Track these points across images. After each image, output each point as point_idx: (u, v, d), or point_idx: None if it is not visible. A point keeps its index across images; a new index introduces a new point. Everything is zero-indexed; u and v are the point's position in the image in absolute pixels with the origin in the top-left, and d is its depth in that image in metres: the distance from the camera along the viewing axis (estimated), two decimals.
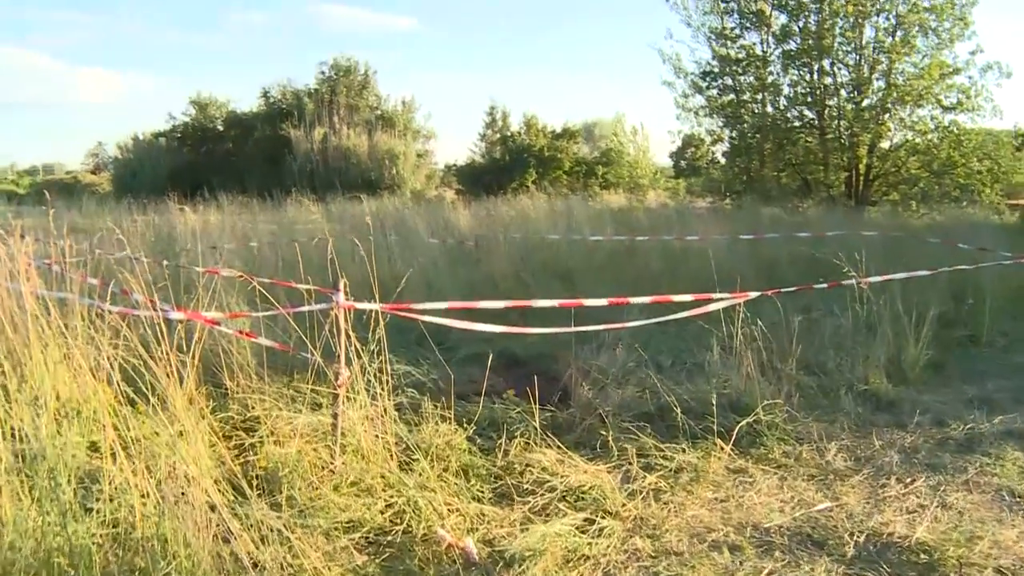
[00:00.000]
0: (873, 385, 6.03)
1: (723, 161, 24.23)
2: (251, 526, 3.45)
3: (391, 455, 4.34)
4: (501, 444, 4.81)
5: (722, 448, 4.75)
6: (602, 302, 5.14)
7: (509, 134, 35.77)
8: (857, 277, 6.28)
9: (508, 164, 33.71)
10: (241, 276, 5.96)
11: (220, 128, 37.51)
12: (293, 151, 32.42)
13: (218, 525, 3.38)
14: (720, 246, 9.85)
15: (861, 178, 19.81)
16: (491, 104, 41.88)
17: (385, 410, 4.51)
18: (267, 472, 4.13)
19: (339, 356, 4.26)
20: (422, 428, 4.83)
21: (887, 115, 18.97)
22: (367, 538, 3.81)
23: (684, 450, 4.82)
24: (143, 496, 3.41)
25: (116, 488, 3.62)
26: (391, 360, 5.98)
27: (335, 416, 4.30)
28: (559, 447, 4.80)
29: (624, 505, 4.20)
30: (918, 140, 19.14)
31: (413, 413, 5.16)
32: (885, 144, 19.47)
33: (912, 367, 6.37)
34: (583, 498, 4.25)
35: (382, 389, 4.55)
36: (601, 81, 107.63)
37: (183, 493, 3.40)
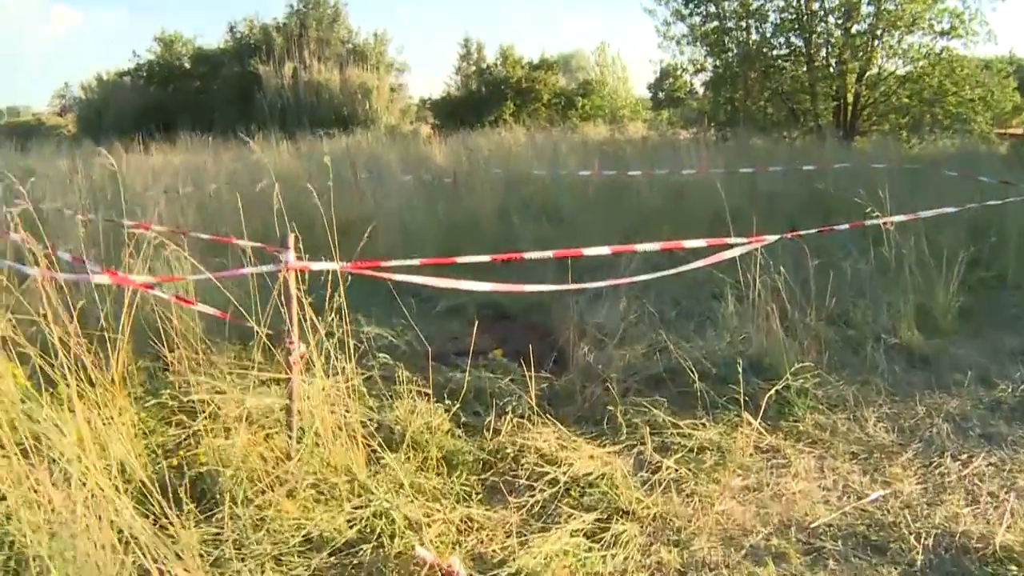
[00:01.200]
0: (904, 337, 5.28)
1: (701, 92, 23.15)
2: (180, 554, 2.66)
3: (358, 445, 3.53)
4: (490, 422, 4.02)
5: (749, 423, 3.99)
6: (604, 251, 4.30)
7: (485, 66, 34.29)
8: (881, 215, 5.47)
9: (485, 97, 32.35)
10: (178, 232, 5.04)
11: (187, 66, 35.64)
12: (263, 88, 30.80)
13: (136, 553, 2.59)
14: (718, 180, 8.99)
15: (849, 108, 18.87)
16: (465, 36, 40.20)
17: (351, 390, 3.69)
18: (207, 475, 3.31)
19: (291, 329, 3.41)
20: (396, 407, 4.02)
21: (877, 42, 17.94)
22: (329, 561, 3.02)
23: (704, 425, 4.05)
24: (37, 526, 2.59)
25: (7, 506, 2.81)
26: (358, 321, 5.16)
27: (289, 401, 3.48)
28: (558, 424, 4.03)
29: (640, 501, 3.44)
30: (909, 68, 18.16)
31: (385, 387, 4.34)
32: (875, 71, 18.47)
33: (943, 315, 5.62)
34: (591, 492, 3.48)
35: (347, 363, 3.72)
36: (578, 11, 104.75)
37: (86, 511, 2.59)
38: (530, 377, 4.22)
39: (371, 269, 3.61)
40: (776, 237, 4.95)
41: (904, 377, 4.78)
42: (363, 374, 4.38)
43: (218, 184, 9.66)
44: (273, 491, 3.25)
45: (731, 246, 4.78)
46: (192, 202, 8.57)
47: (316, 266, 3.48)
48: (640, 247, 4.41)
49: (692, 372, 4.35)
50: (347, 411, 3.61)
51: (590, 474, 3.59)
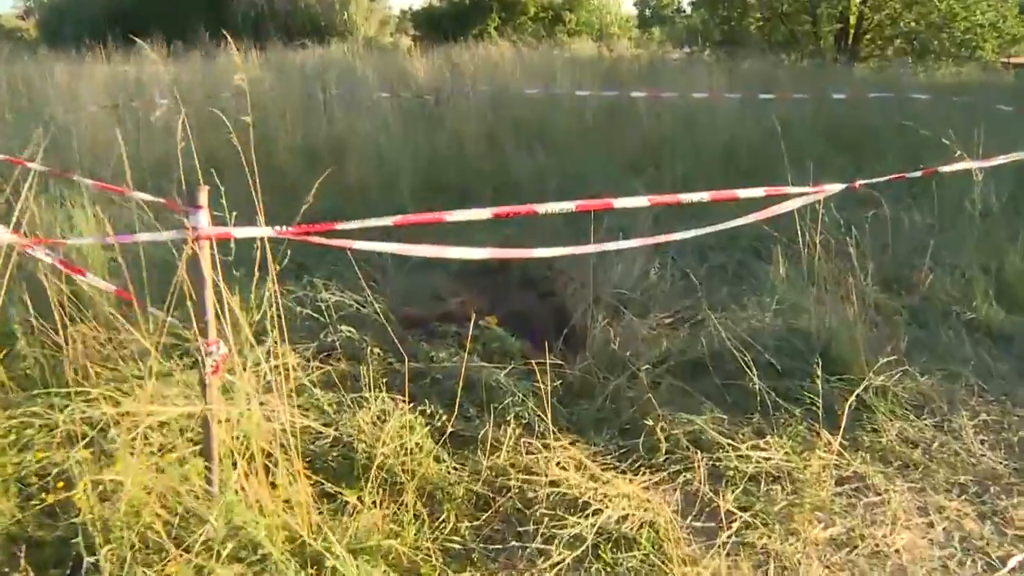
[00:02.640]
0: (981, 311, 4.26)
1: (689, 11, 21.57)
2: None
3: (302, 479, 2.46)
4: (486, 434, 2.96)
5: (828, 445, 2.95)
6: (640, 202, 3.16)
7: None
8: (966, 157, 4.36)
9: (469, 9, 30.28)
10: (64, 174, 3.82)
11: None
12: None
13: None
14: (733, 108, 7.80)
15: (851, 32, 17.47)
16: None
17: (293, 393, 2.61)
18: (84, 540, 2.23)
19: (204, 324, 2.29)
20: (358, 416, 2.93)
21: None
22: None
23: (767, 442, 3.02)
24: None
25: None
26: (313, 286, 4.03)
27: (206, 428, 2.38)
28: (575, 438, 2.99)
29: (696, 562, 2.43)
30: None
31: (349, 377, 3.26)
32: None
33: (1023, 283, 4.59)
34: (629, 553, 2.46)
35: (282, 371, 2.61)
36: None
37: None
38: (540, 380, 3.12)
39: (322, 234, 2.46)
40: (842, 186, 3.83)
41: (994, 367, 3.77)
42: (319, 368, 3.30)
43: (171, 99, 8.25)
44: (180, 559, 2.18)
45: (789, 196, 3.66)
46: (133, 122, 7.22)
47: (241, 233, 2.32)
48: (686, 197, 3.27)
49: (744, 361, 3.28)
50: (289, 426, 2.52)
51: (626, 519, 2.56)
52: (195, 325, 2.31)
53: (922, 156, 6.66)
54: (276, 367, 2.56)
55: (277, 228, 2.33)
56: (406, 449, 2.74)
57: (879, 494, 2.84)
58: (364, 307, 3.89)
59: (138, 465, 2.34)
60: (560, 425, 3.10)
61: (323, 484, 2.57)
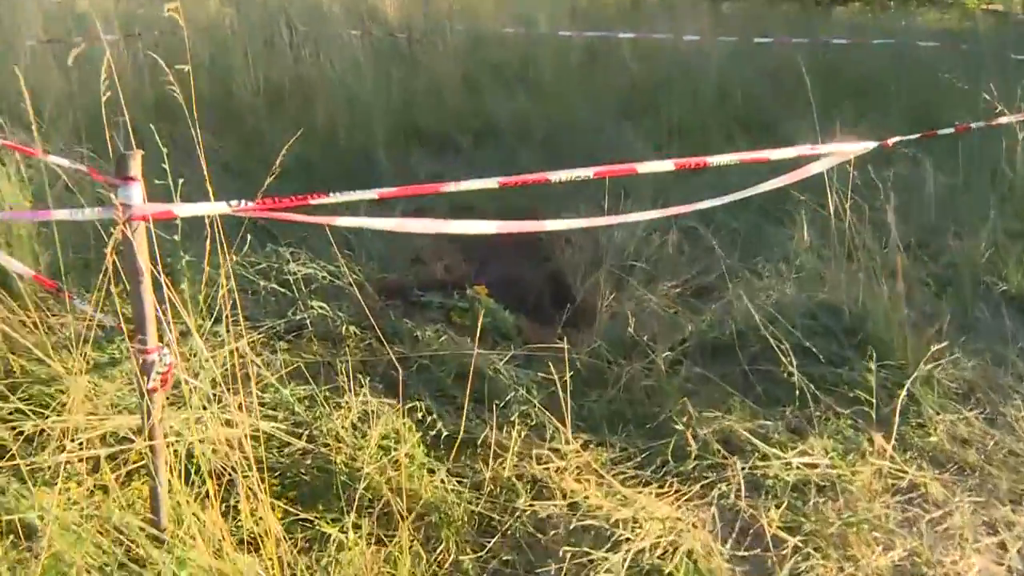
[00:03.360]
0: (1013, 282, 3.88)
1: None
2: None
3: (267, 502, 1.99)
4: (486, 438, 2.51)
5: (883, 451, 2.55)
6: (666, 166, 2.68)
7: None
8: (1005, 111, 3.93)
9: None
10: None
11: None
12: None
13: None
14: (725, 52, 7.26)
15: None
16: None
17: (249, 399, 2.13)
18: None
19: (144, 328, 1.78)
20: (335, 420, 2.45)
21: None
22: None
23: (809, 443, 2.61)
24: None
25: None
26: (278, 256, 3.51)
27: (152, 452, 1.88)
28: (588, 433, 2.57)
29: None
30: None
31: (313, 382, 2.77)
32: None
33: None
34: None
35: (239, 363, 2.12)
36: None
37: None
38: (546, 368, 2.67)
39: (289, 209, 1.94)
40: (875, 144, 3.38)
41: None
42: (287, 351, 2.81)
43: (116, 35, 7.44)
44: None
45: (823, 156, 3.20)
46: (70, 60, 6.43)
47: (187, 211, 1.80)
48: (713, 159, 2.80)
49: (777, 345, 2.85)
50: (250, 438, 2.05)
51: (657, 546, 2.14)
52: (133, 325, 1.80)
53: (931, 105, 6.26)
54: (235, 359, 2.07)
55: (234, 203, 1.81)
56: (393, 461, 2.28)
57: (938, 506, 2.46)
58: (338, 279, 3.37)
59: (66, 499, 1.86)
60: (569, 435, 2.67)
61: (296, 511, 2.11)
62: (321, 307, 3.16)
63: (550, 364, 2.90)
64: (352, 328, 3.14)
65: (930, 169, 4.42)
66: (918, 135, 3.76)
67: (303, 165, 4.72)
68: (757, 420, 2.74)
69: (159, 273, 1.72)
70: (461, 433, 2.53)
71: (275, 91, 6.49)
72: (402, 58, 8.10)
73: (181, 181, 1.94)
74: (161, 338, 1.83)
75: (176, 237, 2.00)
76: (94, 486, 2.11)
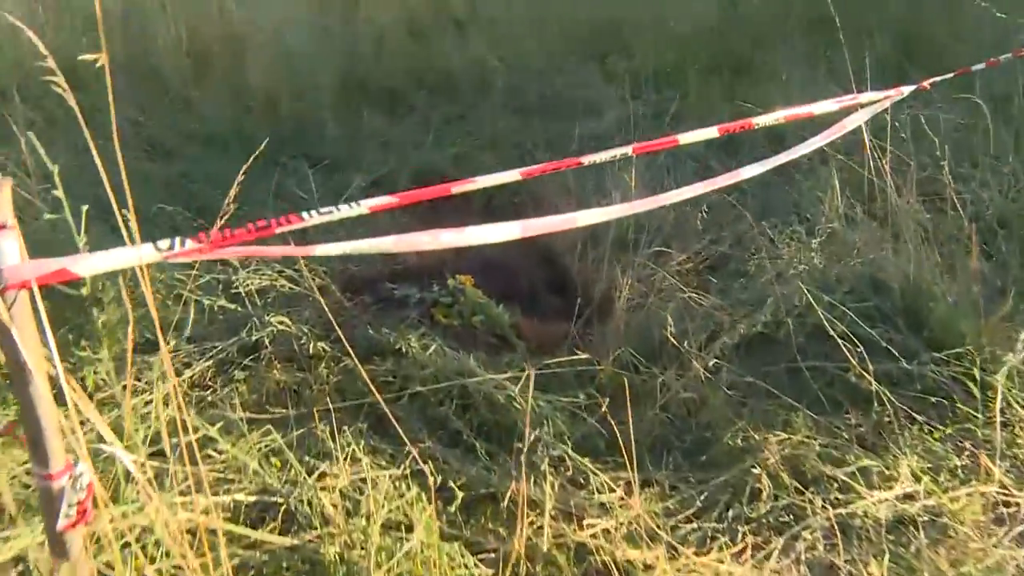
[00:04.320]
0: None
1: None
2: None
3: None
4: (512, 493, 1.96)
5: (989, 472, 2.09)
6: (710, 133, 2.12)
7: None
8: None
9: None
10: None
11: None
12: None
13: None
14: None
15: None
16: None
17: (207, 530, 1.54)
18: None
19: (44, 446, 1.16)
20: (322, 499, 1.86)
21: None
22: None
23: (894, 463, 2.14)
24: None
25: None
26: (230, 262, 2.83)
27: None
28: (628, 473, 2.05)
29: None
30: None
31: (275, 429, 2.18)
32: None
33: None
34: None
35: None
36: None
37: None
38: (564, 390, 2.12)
39: (248, 243, 1.31)
40: (912, 87, 2.88)
41: None
42: (245, 399, 2.20)
43: None
44: None
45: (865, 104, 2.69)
46: None
47: (93, 267, 1.16)
48: (760, 120, 2.25)
49: (839, 339, 2.36)
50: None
51: None
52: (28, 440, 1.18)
53: (917, 37, 5.78)
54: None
55: (163, 244, 1.18)
56: (407, 552, 1.72)
57: None
58: (298, 284, 2.73)
59: None
60: (600, 453, 2.17)
61: None
62: (281, 322, 2.53)
63: (570, 378, 2.39)
64: (321, 345, 2.53)
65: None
66: (951, 75, 3.27)
67: (241, 138, 4.01)
68: (823, 436, 2.26)
69: (55, 366, 1.10)
70: (478, 490, 1.98)
71: (202, 50, 5.62)
72: (341, 4, 7.24)
73: (85, 210, 1.29)
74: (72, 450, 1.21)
75: (83, 291, 1.36)
76: None
